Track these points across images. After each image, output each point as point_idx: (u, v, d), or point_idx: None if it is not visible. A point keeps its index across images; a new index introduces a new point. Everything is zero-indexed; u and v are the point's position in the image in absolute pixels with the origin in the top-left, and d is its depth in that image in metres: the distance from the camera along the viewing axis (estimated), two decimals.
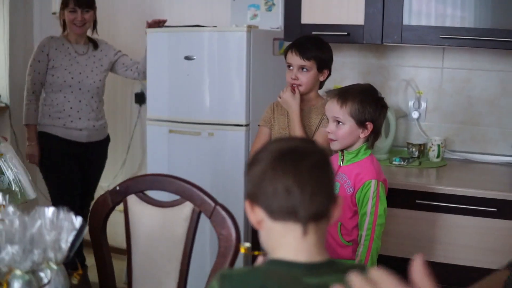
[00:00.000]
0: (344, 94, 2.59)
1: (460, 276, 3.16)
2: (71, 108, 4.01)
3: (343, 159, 2.65)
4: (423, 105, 3.79)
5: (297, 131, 3.09)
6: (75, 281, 1.71)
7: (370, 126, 2.56)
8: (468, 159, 3.69)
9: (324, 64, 3.13)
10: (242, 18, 4.17)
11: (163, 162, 3.90)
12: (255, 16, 4.19)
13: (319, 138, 3.13)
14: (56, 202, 4.08)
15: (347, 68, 3.97)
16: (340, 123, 2.59)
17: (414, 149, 3.68)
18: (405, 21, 3.43)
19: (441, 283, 3.15)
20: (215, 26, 3.88)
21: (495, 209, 3.04)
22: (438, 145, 3.62)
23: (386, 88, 3.87)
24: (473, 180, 3.36)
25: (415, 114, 3.78)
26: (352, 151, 2.62)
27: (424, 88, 3.79)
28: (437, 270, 3.20)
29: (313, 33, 3.50)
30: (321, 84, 3.21)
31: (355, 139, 2.60)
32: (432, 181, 3.36)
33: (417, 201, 3.19)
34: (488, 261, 3.07)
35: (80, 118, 4.02)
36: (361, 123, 2.56)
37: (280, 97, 3.12)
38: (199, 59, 3.74)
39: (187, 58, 3.76)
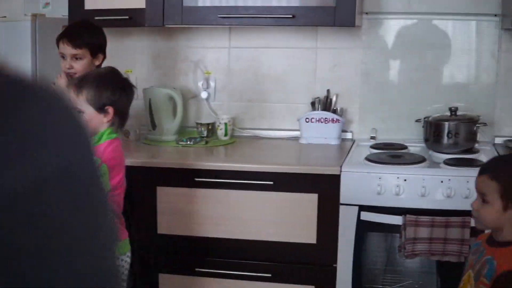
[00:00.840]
0: (79, 83, 2.55)
1: (247, 250, 3.20)
2: None
3: None
4: (212, 85, 3.81)
5: None
6: None
7: (111, 110, 2.53)
8: (257, 136, 3.75)
9: (98, 49, 3.08)
10: (35, 7, 4.06)
11: None
12: (47, 4, 4.09)
13: None
14: None
15: (138, 53, 3.94)
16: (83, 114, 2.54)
17: (203, 129, 3.70)
18: (186, 3, 3.43)
19: (229, 258, 3.22)
20: (4, 16, 3.75)
21: (271, 182, 3.10)
22: (225, 124, 3.65)
23: (176, 70, 3.87)
24: (255, 155, 3.43)
25: (204, 95, 3.80)
26: (97, 135, 2.57)
27: (213, 68, 3.81)
28: (221, 246, 3.23)
29: (96, 18, 3.43)
30: (98, 68, 3.17)
31: (100, 124, 2.54)
32: (213, 158, 3.39)
33: (196, 179, 3.20)
34: (269, 233, 3.14)
35: None
36: (100, 109, 2.52)
37: (54, 84, 3.05)
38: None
39: None
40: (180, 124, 3.72)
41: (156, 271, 3.37)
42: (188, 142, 3.56)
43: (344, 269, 3.07)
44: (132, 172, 3.27)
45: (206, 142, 3.60)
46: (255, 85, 3.76)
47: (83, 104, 2.50)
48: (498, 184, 2.07)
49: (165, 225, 3.31)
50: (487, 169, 2.17)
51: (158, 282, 3.37)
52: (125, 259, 2.67)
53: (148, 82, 3.87)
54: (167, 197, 3.28)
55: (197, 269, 3.29)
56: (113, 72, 2.62)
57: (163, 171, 3.26)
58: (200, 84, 3.83)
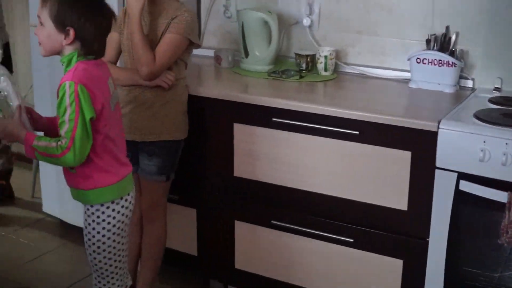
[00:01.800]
0: None
1: (328, 207, 2.80)
2: None
3: None
4: (316, 11, 3.31)
5: (135, 37, 2.71)
6: None
7: (72, 32, 2.16)
8: (362, 73, 3.24)
9: None
10: None
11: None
12: None
13: (161, 46, 2.74)
14: None
15: None
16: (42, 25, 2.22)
17: (301, 61, 3.24)
18: None
19: (307, 213, 2.83)
20: None
21: (357, 132, 2.64)
22: (326, 57, 3.17)
23: None
24: (347, 96, 2.94)
25: (306, 22, 3.32)
26: (63, 59, 2.23)
27: None
28: (300, 198, 2.84)
29: None
30: None
31: (58, 45, 2.20)
32: (297, 96, 2.91)
33: (273, 119, 2.80)
34: (353, 191, 2.71)
35: None
36: (60, 28, 2.17)
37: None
38: None
39: None
40: (276, 53, 3.29)
41: (233, 217, 3.05)
42: (280, 75, 3.13)
43: (437, 245, 2.58)
44: (209, 104, 2.95)
45: (301, 77, 3.15)
46: (365, 14, 3.22)
47: (45, 17, 2.18)
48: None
49: (242, 168, 2.97)
50: None
51: (234, 229, 3.06)
52: (127, 202, 2.36)
53: (248, 3, 3.46)
54: (244, 136, 2.92)
55: (273, 222, 2.93)
56: None
57: (241, 106, 2.88)
58: (302, 9, 3.34)
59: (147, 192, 2.94)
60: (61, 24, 2.15)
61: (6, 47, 3.87)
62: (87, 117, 2.13)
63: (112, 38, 2.83)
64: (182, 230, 3.19)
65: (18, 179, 4.43)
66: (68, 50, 2.19)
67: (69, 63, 2.20)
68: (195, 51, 3.17)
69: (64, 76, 2.16)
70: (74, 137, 2.12)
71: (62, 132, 2.14)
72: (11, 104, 2.23)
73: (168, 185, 2.97)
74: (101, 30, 2.21)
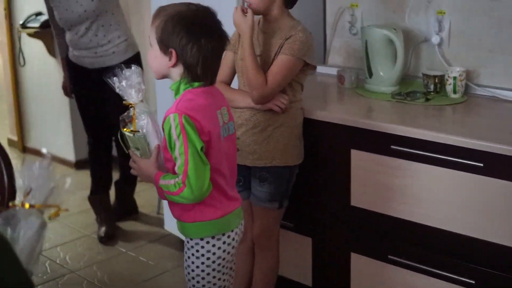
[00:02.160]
0: (157, 11, 2.13)
1: (447, 243, 2.58)
2: (71, 40, 3.82)
3: None
4: (446, 27, 3.07)
5: (246, 58, 2.61)
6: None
7: (174, 55, 2.06)
8: (496, 96, 2.95)
9: None
10: None
11: None
12: None
13: (273, 67, 2.63)
14: (87, 131, 4.13)
15: None
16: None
17: (429, 82, 3.01)
18: None
19: (425, 249, 2.61)
20: None
21: (481, 164, 2.40)
22: (455, 77, 2.93)
23: (405, 7, 3.17)
24: (479, 124, 2.68)
25: (435, 39, 3.08)
26: (173, 86, 2.14)
27: (448, 7, 3.05)
28: (418, 232, 2.63)
29: None
30: (288, 2, 2.68)
31: (163, 67, 2.12)
32: (420, 122, 2.70)
33: (392, 146, 2.61)
34: (476, 228, 2.47)
35: (80, 48, 3.82)
36: (164, 49, 2.08)
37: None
38: None
39: None
40: (402, 73, 3.09)
41: (349, 249, 2.88)
42: (405, 98, 2.93)
43: None
44: (325, 128, 2.81)
45: (427, 100, 2.92)
46: (498, 32, 2.94)
47: (152, 38, 2.10)
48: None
49: (359, 197, 2.80)
50: None
51: (350, 261, 2.89)
52: (229, 238, 2.21)
53: (374, 20, 3.27)
54: (362, 163, 2.75)
55: (390, 256, 2.74)
56: (196, 12, 2.09)
57: (359, 131, 2.71)
58: (432, 26, 3.11)
59: (259, 219, 2.83)
60: (165, 46, 2.07)
61: (137, 57, 3.90)
62: (198, 147, 2.01)
63: (227, 58, 2.76)
64: (296, 259, 3.06)
65: (145, 194, 4.48)
66: (175, 75, 2.11)
67: (177, 91, 2.11)
68: (319, 69, 3.04)
69: (169, 109, 2.07)
70: (187, 171, 2.01)
71: (176, 168, 2.05)
72: (149, 143, 2.16)
73: (281, 213, 2.84)
74: (206, 53, 2.05)
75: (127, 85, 2.15)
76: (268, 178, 2.74)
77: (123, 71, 2.16)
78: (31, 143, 5.65)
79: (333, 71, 3.37)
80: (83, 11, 3.66)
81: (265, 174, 2.74)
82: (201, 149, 2.02)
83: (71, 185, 4.66)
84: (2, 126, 6.07)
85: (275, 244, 2.88)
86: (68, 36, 3.82)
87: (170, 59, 2.07)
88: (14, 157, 5.63)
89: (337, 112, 2.89)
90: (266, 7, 2.65)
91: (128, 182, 4.22)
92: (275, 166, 2.72)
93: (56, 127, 5.29)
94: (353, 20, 3.39)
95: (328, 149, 2.84)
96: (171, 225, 3.87)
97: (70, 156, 5.23)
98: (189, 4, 2.12)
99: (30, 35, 5.05)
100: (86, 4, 3.65)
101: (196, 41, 2.04)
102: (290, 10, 2.72)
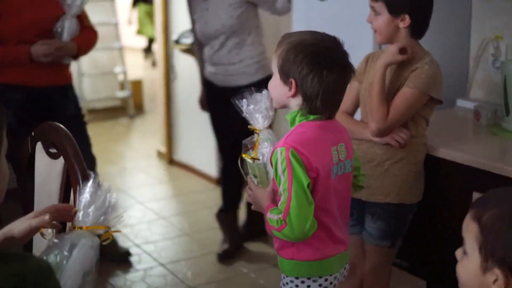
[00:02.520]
0: (282, 37, 2.04)
1: None
2: (207, 55, 3.87)
3: None
4: None
5: (373, 89, 2.52)
6: None
7: (292, 84, 1.96)
8: None
9: (399, 7, 2.48)
10: None
11: None
12: None
13: (396, 100, 2.51)
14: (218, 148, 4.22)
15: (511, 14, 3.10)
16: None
17: None
18: None
19: None
20: None
21: None
22: None
23: None
24: None
25: None
26: (287, 116, 2.05)
27: None
28: None
29: None
30: (415, 33, 2.55)
31: (283, 97, 2.03)
32: None
33: None
34: None
35: (214, 64, 3.84)
36: (284, 78, 1.99)
37: None
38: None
39: None
40: None
41: None
42: None
43: None
44: (447, 167, 2.64)
45: None
46: None
47: (274, 65, 2.02)
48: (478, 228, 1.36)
49: None
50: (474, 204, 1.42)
51: None
52: (327, 282, 2.09)
53: None
54: None
55: None
56: (321, 41, 1.98)
57: (482, 174, 2.52)
58: None
59: (369, 256, 2.70)
60: (285, 75, 1.99)
61: (267, 80, 3.88)
62: (305, 184, 1.92)
63: (352, 87, 2.68)
64: None
65: None
66: (294, 105, 2.02)
67: (292, 122, 2.03)
68: (459, 103, 2.85)
69: (279, 141, 2.01)
70: (288, 209, 1.92)
71: (279, 204, 1.98)
72: (268, 172, 2.12)
73: (393, 252, 2.70)
74: (327, 85, 1.94)
75: (254, 110, 2.10)
76: (381, 215, 2.61)
77: (253, 95, 2.12)
78: (178, 156, 5.81)
79: (472, 106, 3.18)
80: (220, 25, 3.70)
81: (379, 210, 2.61)
82: (308, 185, 1.93)
83: (210, 201, 4.78)
84: (155, 137, 6.30)
85: (385, 284, 2.74)
86: (205, 50, 3.88)
87: (289, 89, 1.98)
88: (162, 169, 5.84)
89: (463, 151, 2.69)
90: (390, 36, 2.54)
91: None
92: (389, 203, 2.59)
93: (201, 141, 5.40)
94: (497, 53, 3.18)
95: (448, 189, 2.67)
96: None
97: (212, 172, 5.32)
98: (315, 32, 2.04)
99: (182, 50, 5.20)
100: (225, 19, 3.69)
101: (317, 72, 1.93)
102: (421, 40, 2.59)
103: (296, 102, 2.00)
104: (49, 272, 1.31)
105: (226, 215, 4.11)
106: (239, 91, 3.77)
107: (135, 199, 5.03)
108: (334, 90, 1.98)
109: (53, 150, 1.85)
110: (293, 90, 1.97)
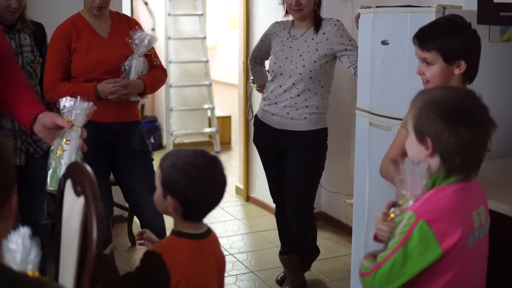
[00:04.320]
0: (416, 96, 2.03)
1: None
2: (271, 91, 3.87)
3: None
4: None
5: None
6: None
7: (429, 144, 1.94)
8: None
9: (455, 54, 2.43)
10: None
11: (364, 154, 3.51)
12: None
13: None
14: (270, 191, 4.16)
15: None
16: None
17: None
18: None
19: None
20: (409, 6, 3.27)
21: None
22: None
23: None
24: None
25: None
26: (428, 179, 1.95)
27: None
28: None
29: (502, 14, 2.72)
30: (467, 78, 2.50)
31: (420, 156, 1.97)
32: None
33: None
34: None
35: (276, 103, 3.83)
36: (419, 137, 1.97)
37: None
38: (393, 43, 3.25)
39: (383, 42, 3.30)
40: None
41: None
42: None
43: None
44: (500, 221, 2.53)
45: None
46: None
47: (410, 124, 1.99)
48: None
49: None
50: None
51: None
52: None
53: None
54: None
55: None
56: (456, 96, 1.93)
57: None
58: None
59: None
60: (420, 134, 1.95)
61: (324, 132, 3.88)
62: (410, 270, 1.87)
63: (400, 134, 2.64)
64: None
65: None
66: (433, 166, 1.94)
67: (432, 186, 1.95)
68: None
69: (416, 201, 1.95)
70: (380, 266, 1.91)
71: (380, 254, 1.95)
72: None
73: None
74: (465, 142, 1.87)
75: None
76: None
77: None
78: (254, 194, 5.85)
79: None
80: (301, 66, 3.72)
81: None
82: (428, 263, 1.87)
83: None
84: (235, 174, 6.37)
85: None
86: (269, 87, 3.90)
87: (426, 149, 1.93)
88: (238, 205, 5.90)
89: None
90: (443, 83, 2.49)
91: (307, 256, 4.16)
92: None
93: None
94: None
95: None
96: None
97: None
98: (449, 88, 2.04)
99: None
100: (308, 62, 3.70)
101: (453, 129, 1.87)
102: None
103: (434, 163, 1.94)
104: None
105: (287, 257, 4.10)
106: (296, 136, 3.79)
107: None
108: (473, 147, 1.91)
109: (78, 188, 1.92)
110: (429, 149, 1.92)
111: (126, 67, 3.55)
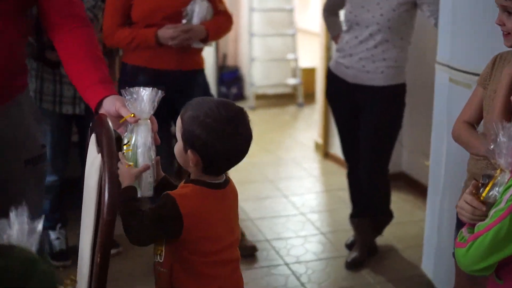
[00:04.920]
0: None
1: None
2: (346, 42, 3.56)
3: None
4: None
5: (497, 96, 2.16)
6: None
7: None
8: None
9: None
10: None
11: (443, 113, 3.19)
12: None
13: None
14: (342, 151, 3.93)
15: None
16: None
17: None
18: None
19: None
20: None
21: None
22: None
23: None
24: None
25: None
26: None
27: None
28: None
29: None
30: None
31: None
32: None
33: None
34: None
35: (351, 55, 3.53)
36: None
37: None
38: None
39: None
40: None
41: None
42: None
43: None
44: None
45: None
46: None
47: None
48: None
49: None
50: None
51: None
52: None
53: None
54: None
55: None
56: None
57: None
58: None
59: None
60: None
61: (402, 88, 3.56)
62: None
63: (476, 93, 2.34)
64: None
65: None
66: None
67: None
68: None
69: None
70: (477, 237, 1.67)
71: (478, 224, 1.72)
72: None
73: None
74: None
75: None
76: None
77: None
78: (333, 150, 5.59)
79: None
80: (379, 15, 3.39)
81: None
82: None
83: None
84: (315, 130, 6.12)
85: None
86: (344, 37, 3.59)
87: None
88: (316, 162, 5.67)
89: None
90: None
91: (379, 220, 3.88)
92: None
93: None
94: None
95: None
96: (429, 267, 3.45)
97: None
98: None
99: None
100: (386, 11, 3.37)
101: None
102: None
103: None
104: (34, 263, 1.23)
105: (358, 220, 3.84)
106: (372, 91, 3.50)
107: (281, 192, 4.90)
108: None
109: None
110: None
111: (188, 11, 3.35)
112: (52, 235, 3.69)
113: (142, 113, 1.86)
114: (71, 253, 3.72)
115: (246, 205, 4.58)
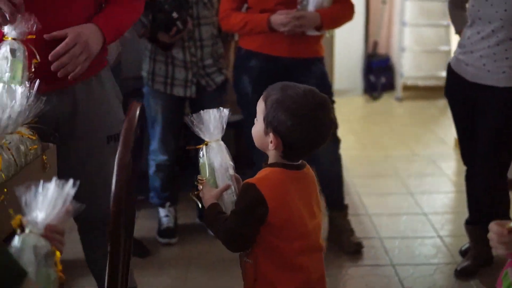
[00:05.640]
0: None
1: None
2: (468, 38, 3.30)
3: None
4: None
5: None
6: None
7: None
8: None
9: None
10: None
11: None
12: None
13: None
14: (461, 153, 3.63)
15: None
16: None
17: None
18: None
19: None
20: None
21: None
22: None
23: None
24: None
25: None
26: None
27: None
28: None
29: None
30: None
31: None
32: None
33: None
34: None
35: (471, 52, 3.25)
36: None
37: None
38: None
39: None
40: None
41: None
42: None
43: None
44: None
45: None
46: None
47: None
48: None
49: None
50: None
51: None
52: None
53: None
54: None
55: None
56: None
57: None
58: None
59: None
60: None
61: None
62: None
63: None
64: None
65: None
66: None
67: None
68: None
69: None
70: None
71: None
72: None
73: None
74: None
75: None
76: None
77: None
78: None
79: None
80: (503, 10, 3.10)
81: None
82: None
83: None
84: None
85: None
86: (466, 33, 3.32)
87: None
88: (452, 160, 5.40)
89: None
90: None
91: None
92: None
93: None
94: None
95: None
96: None
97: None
98: None
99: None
100: (510, 6, 3.11)
101: None
102: None
103: None
104: None
105: (473, 227, 3.58)
106: (492, 91, 3.22)
107: (407, 189, 4.72)
108: None
109: None
110: None
111: None
112: (162, 212, 3.78)
113: (212, 136, 1.88)
114: (180, 232, 3.81)
115: (368, 200, 4.46)
